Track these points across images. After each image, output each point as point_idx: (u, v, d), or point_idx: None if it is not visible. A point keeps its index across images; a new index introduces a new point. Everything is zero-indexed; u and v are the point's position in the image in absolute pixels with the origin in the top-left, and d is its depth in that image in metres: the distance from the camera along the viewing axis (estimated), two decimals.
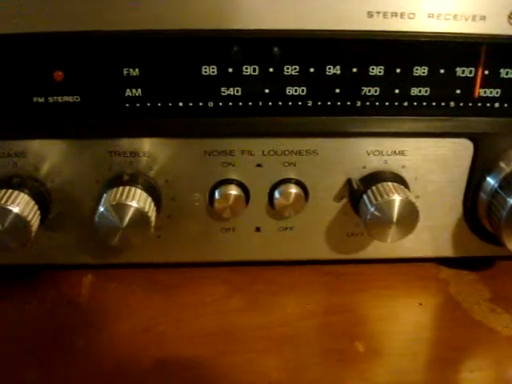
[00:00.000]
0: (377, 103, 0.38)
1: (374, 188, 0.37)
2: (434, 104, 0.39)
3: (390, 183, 0.37)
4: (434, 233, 0.41)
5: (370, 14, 0.35)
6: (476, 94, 0.39)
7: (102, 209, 0.35)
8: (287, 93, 0.37)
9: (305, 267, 0.43)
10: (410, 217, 0.37)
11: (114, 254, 0.41)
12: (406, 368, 0.36)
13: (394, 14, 0.35)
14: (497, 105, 0.39)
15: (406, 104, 0.38)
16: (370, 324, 0.39)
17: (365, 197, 0.37)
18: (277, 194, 0.38)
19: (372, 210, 0.36)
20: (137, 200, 0.36)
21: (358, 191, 0.38)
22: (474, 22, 0.36)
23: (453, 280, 0.43)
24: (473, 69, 0.38)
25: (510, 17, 0.36)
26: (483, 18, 0.36)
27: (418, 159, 0.39)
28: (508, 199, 0.37)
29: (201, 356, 0.36)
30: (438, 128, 0.38)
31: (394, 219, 0.37)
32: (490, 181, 0.39)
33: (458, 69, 0.38)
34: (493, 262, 0.44)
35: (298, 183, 0.38)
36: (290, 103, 0.38)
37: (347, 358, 0.36)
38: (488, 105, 0.39)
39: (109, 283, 0.41)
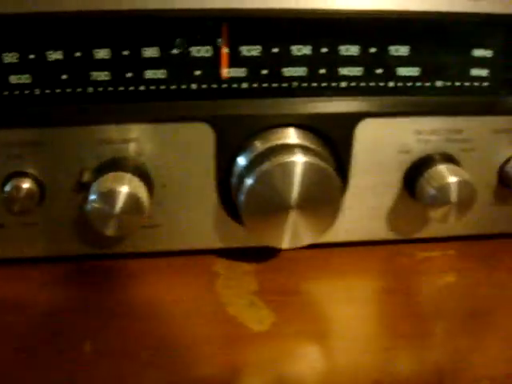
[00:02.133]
0: (110, 88, 0.36)
1: (100, 178, 0.35)
2: (172, 87, 0.36)
3: (118, 173, 0.35)
4: (196, 223, 0.39)
5: None
6: (222, 75, 0.37)
7: None
8: (10, 82, 0.35)
9: (58, 264, 0.40)
10: (133, 210, 0.34)
11: None
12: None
13: None
14: (245, 85, 0.37)
15: (142, 88, 0.36)
16: (111, 323, 0.36)
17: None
18: (7, 188, 0.36)
19: (91, 199, 0.34)
20: None
21: (87, 183, 0.36)
22: None
23: (224, 273, 0.40)
24: (210, 47, 0.36)
25: None
26: None
27: (155, 146, 0.36)
28: (245, 181, 0.35)
29: None
30: (173, 112, 0.36)
31: (115, 211, 0.34)
32: (238, 164, 0.37)
33: (193, 48, 0.36)
34: (276, 252, 0.41)
35: (30, 176, 0.36)
36: (16, 92, 0.36)
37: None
38: (235, 86, 0.37)
39: None
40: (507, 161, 0.40)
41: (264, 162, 0.35)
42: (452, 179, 0.37)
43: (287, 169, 0.35)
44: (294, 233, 0.36)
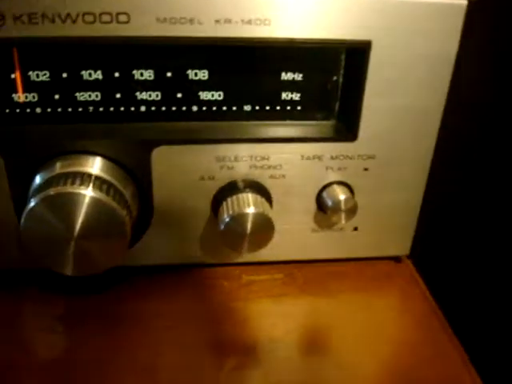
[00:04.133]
0: None
1: None
2: None
3: None
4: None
5: None
6: (13, 100, 0.36)
7: None
8: None
9: None
10: None
11: None
12: None
13: None
14: (38, 110, 0.36)
15: None
16: None
17: None
18: None
19: None
20: None
21: None
22: None
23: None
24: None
25: None
26: None
27: None
28: (29, 203, 0.34)
29: None
30: None
31: None
32: (33, 185, 0.36)
33: None
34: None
35: None
36: None
37: None
38: (28, 111, 0.36)
39: None
40: (324, 187, 0.39)
41: (50, 187, 0.34)
42: (248, 210, 0.36)
43: (69, 199, 0.34)
44: (80, 260, 0.35)
